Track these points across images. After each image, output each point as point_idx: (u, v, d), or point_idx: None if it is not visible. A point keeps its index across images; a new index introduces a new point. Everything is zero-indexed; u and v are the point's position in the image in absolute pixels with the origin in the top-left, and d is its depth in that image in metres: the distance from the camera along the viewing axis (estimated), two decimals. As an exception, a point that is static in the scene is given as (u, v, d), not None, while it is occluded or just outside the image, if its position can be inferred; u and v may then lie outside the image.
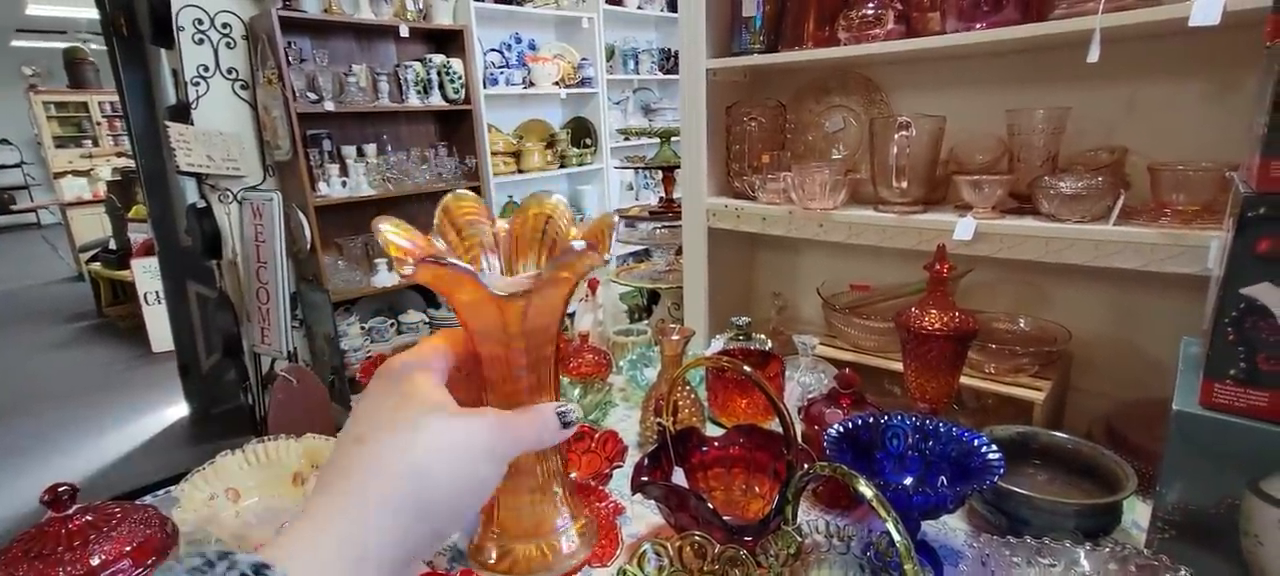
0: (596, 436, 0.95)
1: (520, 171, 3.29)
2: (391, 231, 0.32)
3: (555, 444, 0.32)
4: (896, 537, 0.58)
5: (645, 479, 0.83)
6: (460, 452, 0.27)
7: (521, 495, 0.39)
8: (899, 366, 1.13)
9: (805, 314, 1.48)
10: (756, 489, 0.90)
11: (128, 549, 0.60)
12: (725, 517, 0.71)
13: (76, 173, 7.25)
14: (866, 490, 0.61)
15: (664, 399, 0.96)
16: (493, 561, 0.38)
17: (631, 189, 3.96)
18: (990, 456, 0.73)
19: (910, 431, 0.82)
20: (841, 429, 0.83)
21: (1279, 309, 0.56)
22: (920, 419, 0.82)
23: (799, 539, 0.73)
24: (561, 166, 3.53)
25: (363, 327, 2.74)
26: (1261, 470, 0.59)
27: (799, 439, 0.75)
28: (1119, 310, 1.04)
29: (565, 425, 0.31)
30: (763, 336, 1.19)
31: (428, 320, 2.89)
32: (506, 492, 0.38)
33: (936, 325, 0.88)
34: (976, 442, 0.76)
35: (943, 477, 0.73)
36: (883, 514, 0.59)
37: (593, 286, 1.70)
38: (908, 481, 0.79)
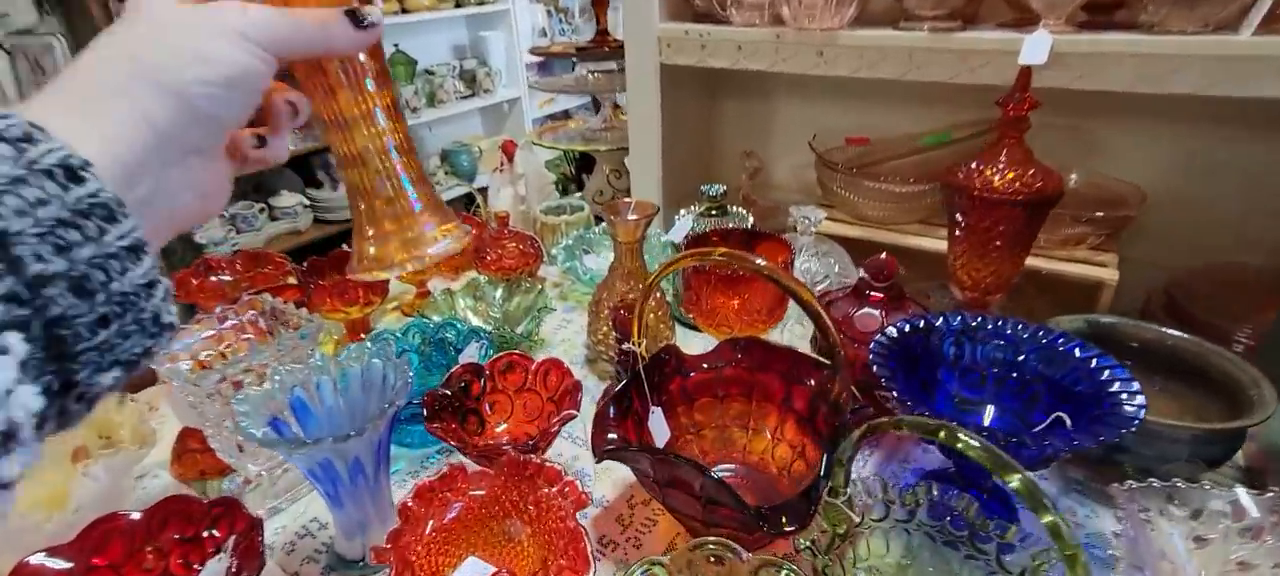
0: (533, 367, 0.66)
1: (404, 11, 2.69)
2: None
3: (350, 48, 0.27)
4: (1062, 539, 0.35)
5: (613, 434, 0.56)
6: (192, 25, 0.22)
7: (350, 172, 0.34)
8: (918, 244, 0.90)
9: (778, 177, 1.21)
10: (756, 426, 0.66)
11: None
12: (743, 496, 0.46)
13: None
14: (1017, 481, 0.37)
15: (627, 310, 0.68)
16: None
17: (546, 35, 3.41)
18: (1116, 385, 0.50)
19: (989, 340, 0.59)
20: (889, 339, 0.59)
21: None
22: (1003, 323, 0.59)
23: (854, 518, 0.50)
24: (457, 6, 2.93)
25: (224, 216, 2.23)
26: None
27: (846, 368, 0.50)
28: (1190, 158, 0.83)
29: (361, 24, 0.26)
30: (740, 210, 0.91)
31: (307, 202, 2.40)
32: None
33: (1009, 186, 0.63)
34: (1089, 357, 0.53)
35: (1062, 415, 0.50)
36: (1046, 519, 0.35)
37: (508, 150, 1.33)
38: (1035, 428, 0.57)
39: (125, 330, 0.19)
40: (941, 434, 0.41)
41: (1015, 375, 0.58)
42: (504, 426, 0.65)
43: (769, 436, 0.66)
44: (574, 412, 0.59)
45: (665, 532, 0.60)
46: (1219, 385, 0.61)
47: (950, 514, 0.52)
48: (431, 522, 0.47)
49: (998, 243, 0.66)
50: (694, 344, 0.92)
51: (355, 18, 0.26)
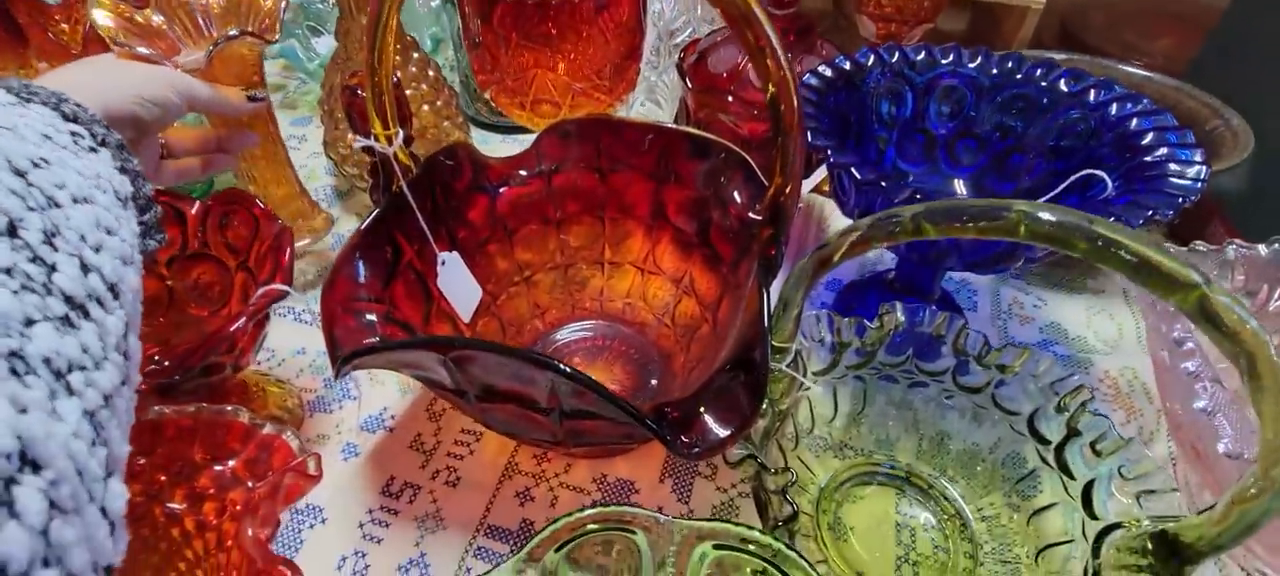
0: (195, 212, 0.35)
1: None
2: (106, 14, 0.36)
3: (242, 113, 0.40)
4: None
5: (370, 316, 0.29)
6: (134, 67, 0.33)
7: (265, 167, 0.47)
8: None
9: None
10: (614, 257, 0.43)
11: None
12: (614, 391, 0.24)
13: None
14: (1196, 298, 0.18)
15: (360, 85, 0.37)
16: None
17: None
18: (1134, 122, 0.34)
19: (938, 84, 0.40)
20: (815, 89, 0.37)
21: None
22: (956, 56, 0.40)
23: (806, 382, 0.31)
24: None
25: None
26: None
27: (792, 142, 0.26)
28: None
29: (253, 100, 0.39)
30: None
31: None
32: (255, 161, 0.47)
33: None
34: (1081, 90, 0.36)
35: (1098, 173, 0.33)
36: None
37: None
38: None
39: (152, 219, 0.26)
40: (1021, 228, 0.20)
41: (975, 132, 0.40)
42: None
43: (636, 270, 0.43)
44: (282, 289, 0.30)
45: (495, 452, 0.36)
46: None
47: (918, 342, 0.35)
48: None
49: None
50: (506, 152, 0.64)
51: (250, 97, 0.39)
